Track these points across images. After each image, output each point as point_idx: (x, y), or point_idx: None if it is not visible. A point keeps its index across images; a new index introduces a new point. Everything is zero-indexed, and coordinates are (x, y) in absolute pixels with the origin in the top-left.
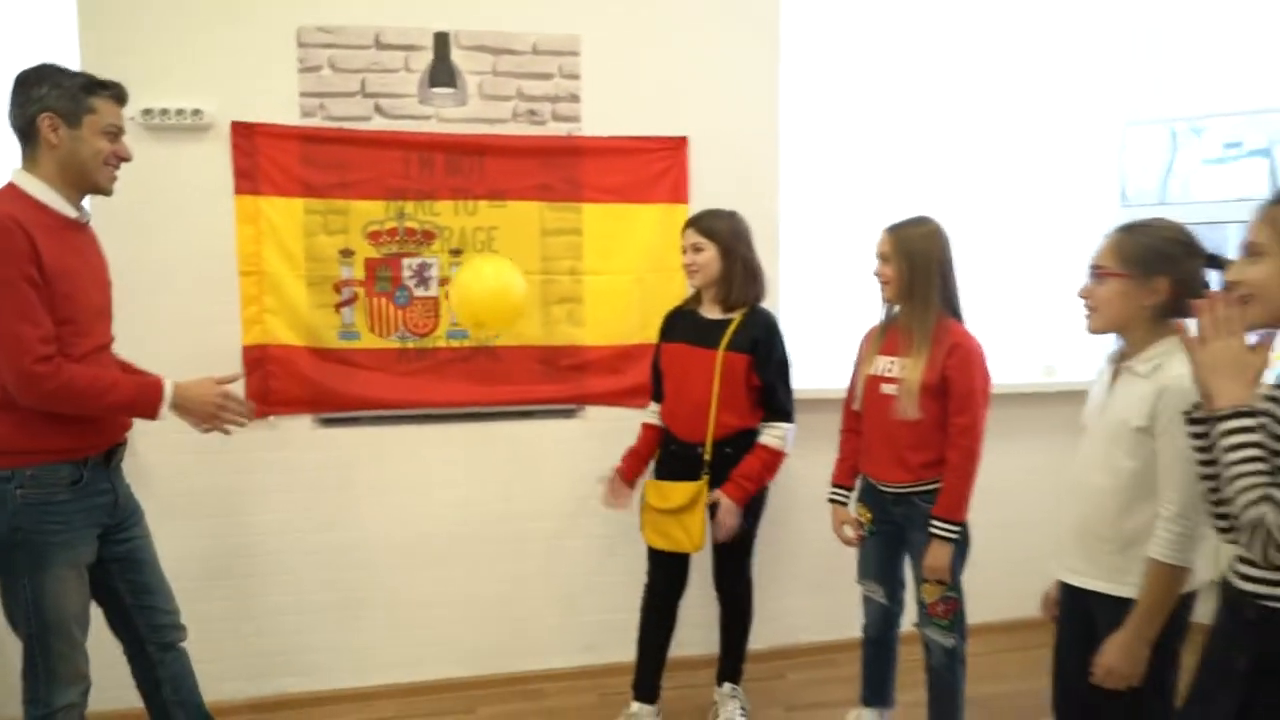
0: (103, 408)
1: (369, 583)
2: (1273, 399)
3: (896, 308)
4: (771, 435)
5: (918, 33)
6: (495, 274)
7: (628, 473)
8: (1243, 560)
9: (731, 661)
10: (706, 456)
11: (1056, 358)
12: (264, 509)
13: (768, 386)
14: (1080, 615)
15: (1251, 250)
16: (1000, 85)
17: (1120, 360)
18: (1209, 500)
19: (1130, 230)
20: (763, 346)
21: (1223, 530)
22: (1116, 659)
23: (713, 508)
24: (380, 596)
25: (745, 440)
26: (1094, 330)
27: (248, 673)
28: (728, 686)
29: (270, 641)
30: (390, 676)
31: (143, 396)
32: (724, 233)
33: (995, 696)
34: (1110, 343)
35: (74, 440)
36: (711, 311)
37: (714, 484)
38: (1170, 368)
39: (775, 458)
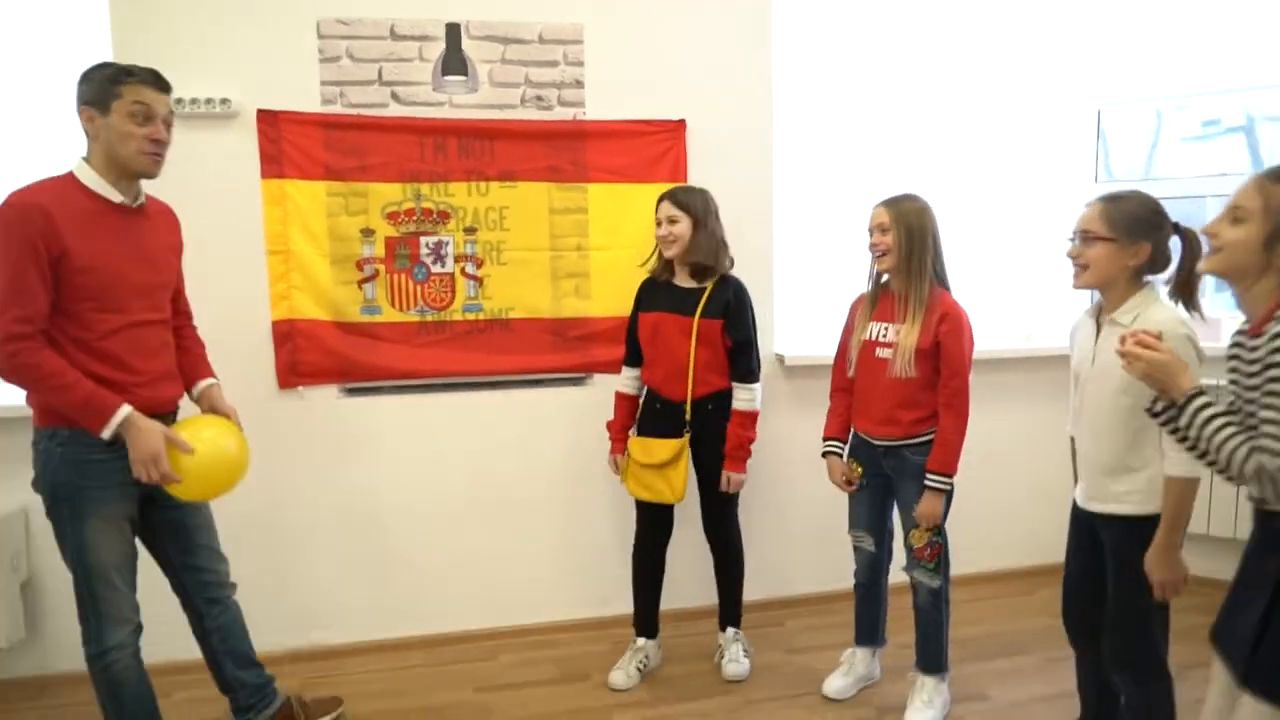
0: (55, 401)
1: (395, 542)
2: (1234, 355)
3: (885, 277)
4: (742, 400)
5: (904, 17)
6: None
7: (620, 448)
8: None
9: (730, 606)
10: (688, 416)
11: (1034, 325)
12: (296, 473)
13: (737, 346)
14: (1084, 534)
15: (1235, 213)
16: (982, 67)
17: (1100, 314)
18: (1206, 464)
19: (1114, 200)
20: (733, 310)
21: (1229, 480)
22: (1159, 569)
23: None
24: (406, 555)
25: (726, 396)
26: (1081, 286)
27: (284, 626)
28: (730, 631)
29: (304, 597)
30: (417, 629)
31: (91, 408)
32: (696, 206)
33: (975, 637)
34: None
35: None
36: (685, 281)
37: (695, 439)
38: (1150, 314)
39: (751, 417)
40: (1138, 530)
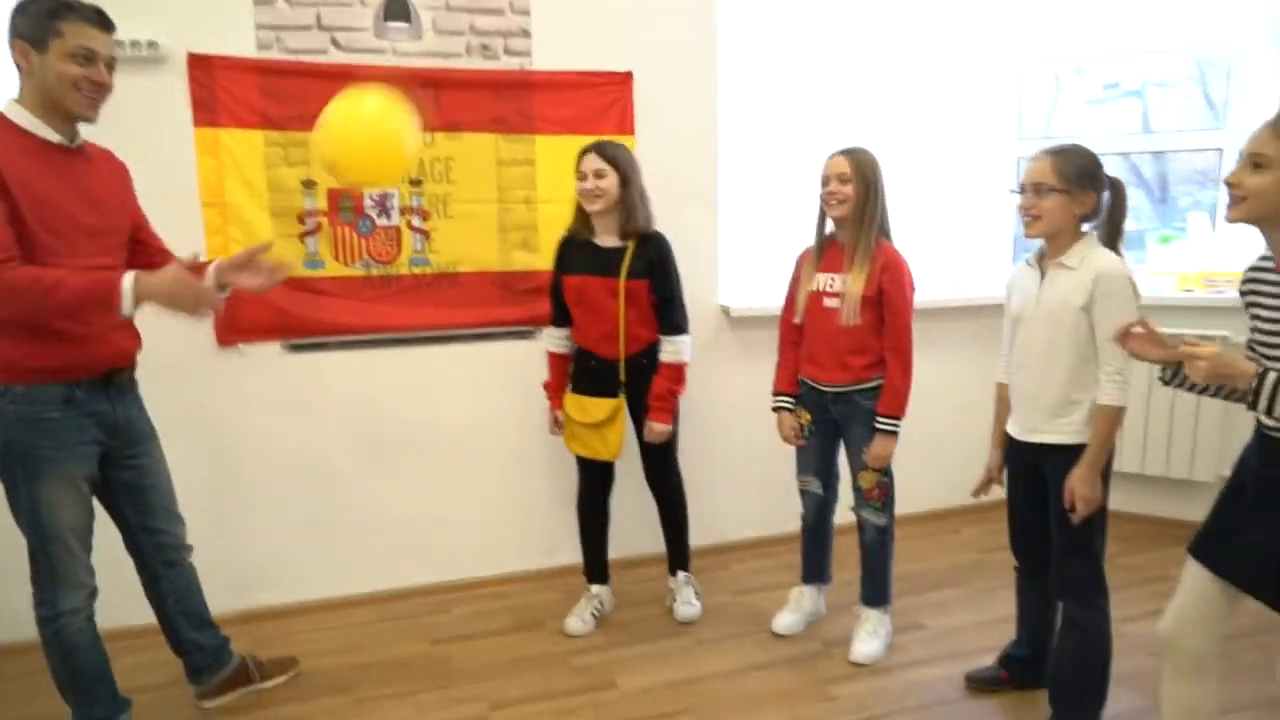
0: (56, 306)
1: (342, 499)
2: (1254, 290)
3: (830, 228)
4: (669, 352)
5: None
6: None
7: (560, 404)
8: None
9: (678, 551)
10: (622, 377)
11: (960, 277)
12: (238, 432)
13: (663, 302)
14: (1029, 470)
15: (1256, 160)
16: (911, 27)
17: (1044, 260)
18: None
19: (1060, 153)
20: (658, 268)
21: None
22: (1083, 487)
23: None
24: (353, 512)
25: (658, 350)
26: (1033, 235)
27: (230, 587)
28: (681, 575)
29: (249, 558)
30: (367, 585)
31: (94, 295)
32: (623, 160)
33: (908, 573)
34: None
35: (65, 360)
36: (608, 240)
37: (631, 395)
38: (1096, 259)
39: (678, 370)
40: (1080, 457)
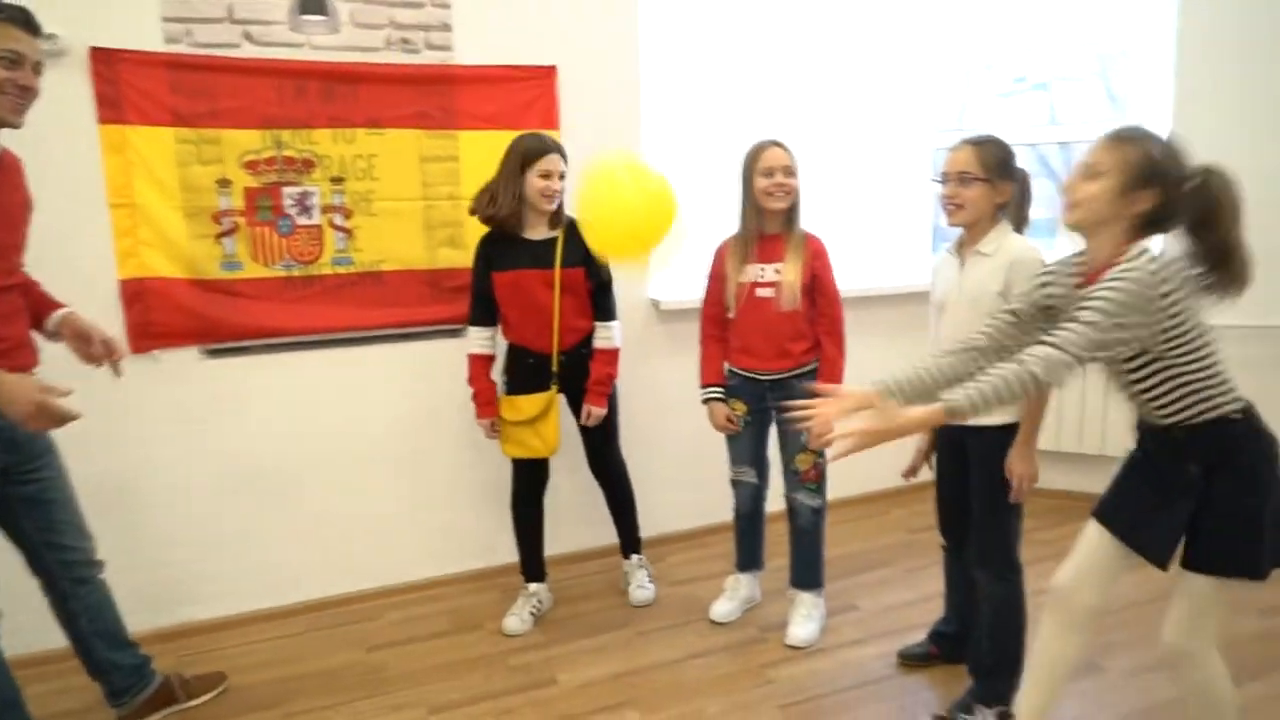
0: None
1: (268, 508)
2: (1053, 293)
3: (750, 222)
4: (602, 339)
5: None
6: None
7: (491, 410)
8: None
9: (628, 535)
10: (555, 368)
11: (882, 266)
12: (154, 442)
13: (599, 288)
14: (955, 450)
15: (1091, 170)
16: (830, 22)
17: (963, 248)
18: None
19: (981, 144)
20: (592, 255)
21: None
22: (1021, 465)
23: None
24: (280, 520)
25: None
26: (956, 223)
27: (151, 603)
28: (634, 558)
29: (169, 572)
30: (297, 595)
31: None
32: (566, 157)
33: (839, 556)
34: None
35: None
36: (537, 232)
37: (564, 388)
38: (1009, 245)
39: (612, 355)
40: (1003, 439)
